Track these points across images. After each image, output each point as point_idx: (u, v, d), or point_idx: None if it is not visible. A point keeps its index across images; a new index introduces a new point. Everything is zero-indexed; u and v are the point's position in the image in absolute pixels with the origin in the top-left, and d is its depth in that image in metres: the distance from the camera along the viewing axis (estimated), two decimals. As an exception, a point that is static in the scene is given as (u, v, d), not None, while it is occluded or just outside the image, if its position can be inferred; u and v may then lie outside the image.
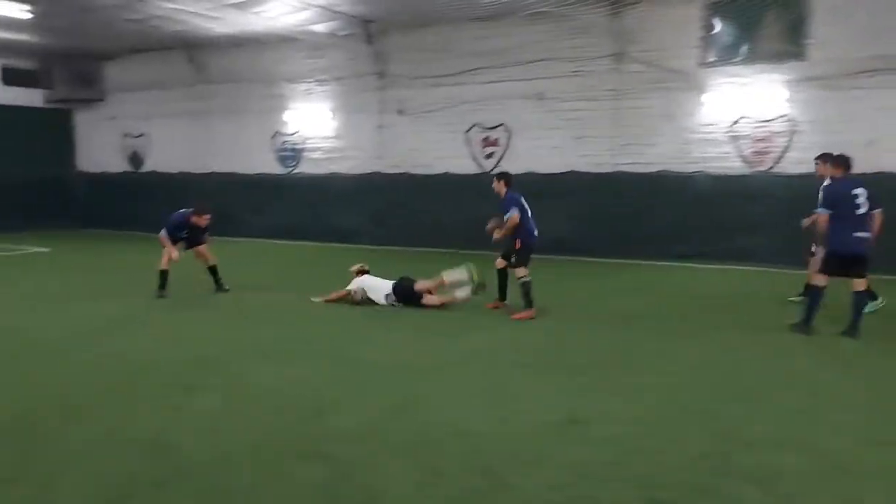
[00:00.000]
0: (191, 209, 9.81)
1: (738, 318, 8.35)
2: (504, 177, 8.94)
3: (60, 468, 4.07)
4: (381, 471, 4.05)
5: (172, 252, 9.58)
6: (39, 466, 4.10)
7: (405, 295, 8.83)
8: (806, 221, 8.39)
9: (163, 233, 9.71)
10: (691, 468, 4.13)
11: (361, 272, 9.36)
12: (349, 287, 9.16)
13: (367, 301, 9.00)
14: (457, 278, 8.87)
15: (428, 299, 8.81)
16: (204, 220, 9.76)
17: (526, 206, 8.70)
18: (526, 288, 8.41)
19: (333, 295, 9.19)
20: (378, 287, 9.02)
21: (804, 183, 11.96)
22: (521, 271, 8.50)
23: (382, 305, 8.90)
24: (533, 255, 8.67)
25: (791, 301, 8.89)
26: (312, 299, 9.20)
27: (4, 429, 4.71)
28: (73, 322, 8.12)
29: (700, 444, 4.49)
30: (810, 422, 4.93)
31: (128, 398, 5.35)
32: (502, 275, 8.94)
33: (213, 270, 9.96)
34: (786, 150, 12.32)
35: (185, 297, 9.64)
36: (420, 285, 8.84)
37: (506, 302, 8.93)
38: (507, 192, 8.73)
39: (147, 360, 6.45)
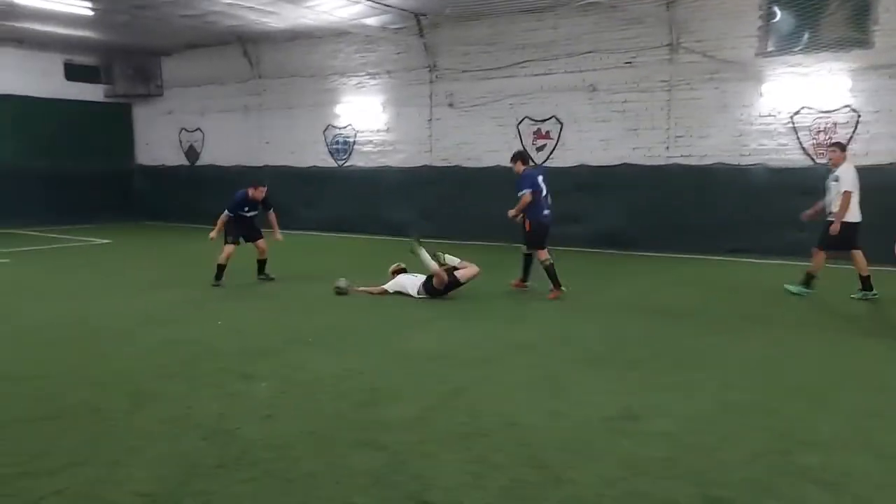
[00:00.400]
0: (248, 188, 10.12)
1: (798, 315, 8.16)
2: (520, 156, 9.35)
3: (127, 451, 4.22)
4: (432, 460, 4.09)
5: (213, 233, 9.92)
6: (107, 449, 4.26)
7: (434, 290, 8.88)
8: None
9: (224, 214, 9.94)
10: (749, 466, 4.05)
11: (398, 271, 9.47)
12: (385, 286, 9.30)
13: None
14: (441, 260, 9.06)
15: (460, 273, 8.87)
16: (260, 193, 10.02)
17: (542, 185, 8.91)
18: (549, 271, 8.70)
19: (371, 289, 9.30)
20: (412, 284, 9.09)
21: (868, 175, 11.60)
22: (541, 254, 8.79)
23: (414, 298, 8.99)
24: (583, 249, 8.60)
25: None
26: (357, 289, 9.34)
27: (75, 413, 4.90)
28: (135, 310, 8.39)
29: (758, 441, 4.39)
30: (878, 422, 4.76)
31: (190, 384, 5.52)
32: (527, 258, 9.18)
33: (261, 263, 10.26)
34: (849, 141, 11.91)
35: (242, 287, 9.86)
36: (438, 279, 8.80)
37: (527, 284, 9.04)
38: (523, 170, 9.00)
39: (207, 348, 6.64)
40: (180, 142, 20.49)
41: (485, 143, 15.30)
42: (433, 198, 15.97)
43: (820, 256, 8.87)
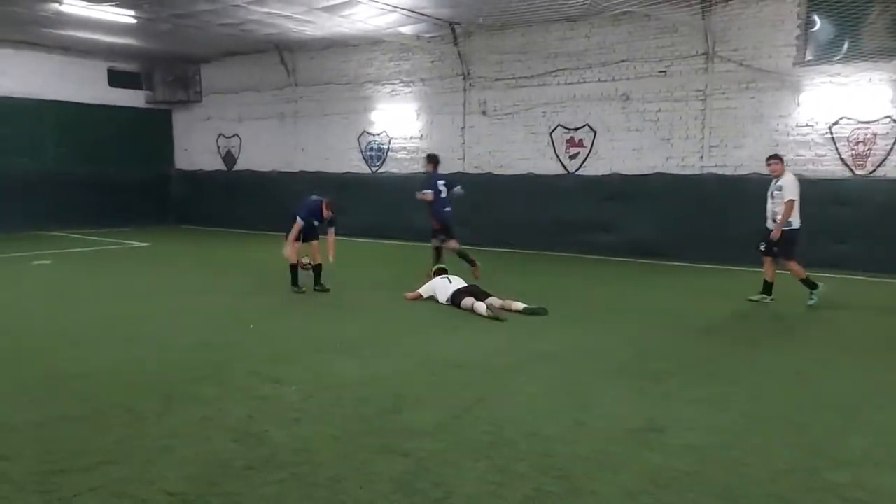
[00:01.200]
0: (323, 198, 9.96)
1: (829, 328, 8.02)
2: (431, 159, 11.02)
3: (158, 452, 4.33)
4: (455, 468, 4.12)
5: (295, 232, 9.70)
6: (140, 449, 4.38)
7: (457, 297, 8.85)
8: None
9: (298, 221, 9.73)
10: (776, 482, 4.00)
11: (438, 272, 9.52)
12: (420, 290, 9.36)
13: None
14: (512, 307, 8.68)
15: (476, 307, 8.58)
16: (329, 213, 9.90)
17: (443, 188, 10.61)
18: (463, 255, 10.54)
19: (412, 295, 9.37)
20: (445, 289, 9.10)
21: (907, 188, 11.40)
22: (452, 244, 10.63)
23: (441, 304, 9.03)
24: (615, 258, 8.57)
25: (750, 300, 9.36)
26: (406, 295, 9.40)
27: (110, 412, 5.05)
28: (171, 312, 8.59)
29: (786, 457, 4.34)
30: (911, 440, 4.67)
31: (221, 387, 5.64)
32: (436, 251, 10.78)
33: (316, 271, 10.05)
34: (889, 152, 11.70)
35: (276, 291, 10.01)
36: (466, 302, 8.66)
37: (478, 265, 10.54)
38: (432, 174, 10.77)
39: (239, 351, 6.77)
40: (218, 147, 20.87)
41: (517, 151, 15.33)
42: (466, 205, 15.97)
43: (789, 266, 9.19)
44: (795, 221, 9.09)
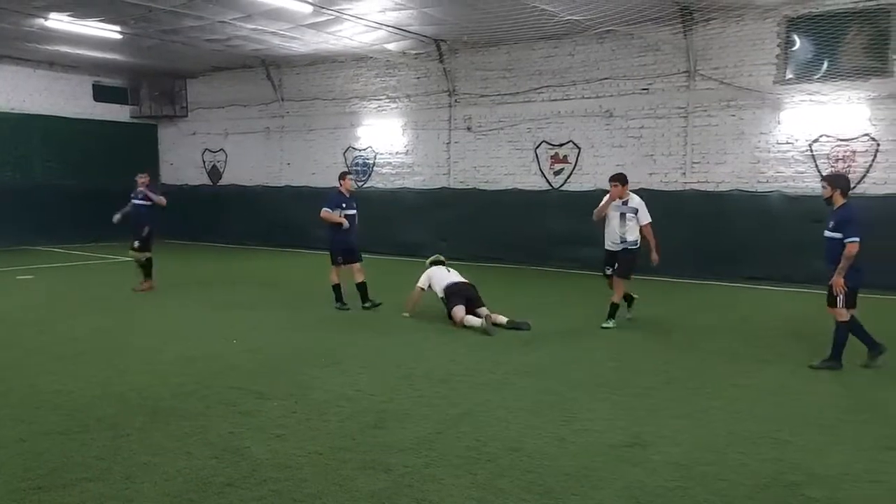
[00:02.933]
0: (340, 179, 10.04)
1: (811, 344, 8.07)
2: (342, 176, 10.13)
3: (138, 468, 4.31)
4: (437, 484, 4.13)
5: (334, 217, 9.62)
6: (121, 465, 4.36)
7: (452, 300, 8.82)
8: None
9: (324, 210, 9.71)
10: (756, 498, 4.04)
11: (436, 263, 9.51)
12: (418, 284, 9.26)
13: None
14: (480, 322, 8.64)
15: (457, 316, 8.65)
16: (348, 183, 9.90)
17: (345, 207, 9.78)
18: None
19: (410, 302, 9.34)
20: (441, 280, 9.09)
21: (887, 205, 11.56)
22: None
23: (440, 297, 9.03)
24: (599, 274, 8.67)
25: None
26: (404, 315, 9.30)
27: (93, 428, 5.02)
28: (155, 327, 8.54)
29: (766, 473, 4.38)
30: (890, 455, 4.71)
31: (204, 402, 5.62)
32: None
33: (362, 288, 9.84)
34: (868, 170, 11.88)
35: (260, 305, 9.97)
36: (458, 313, 8.64)
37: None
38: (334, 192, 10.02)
39: (223, 366, 6.75)
40: (203, 162, 20.84)
41: (502, 167, 15.44)
42: (451, 219, 16.07)
43: (620, 285, 8.87)
44: (638, 241, 8.82)
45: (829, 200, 7.08)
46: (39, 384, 6.09)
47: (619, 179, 8.86)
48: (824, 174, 7.91)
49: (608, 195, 8.85)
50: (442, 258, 9.72)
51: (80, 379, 6.28)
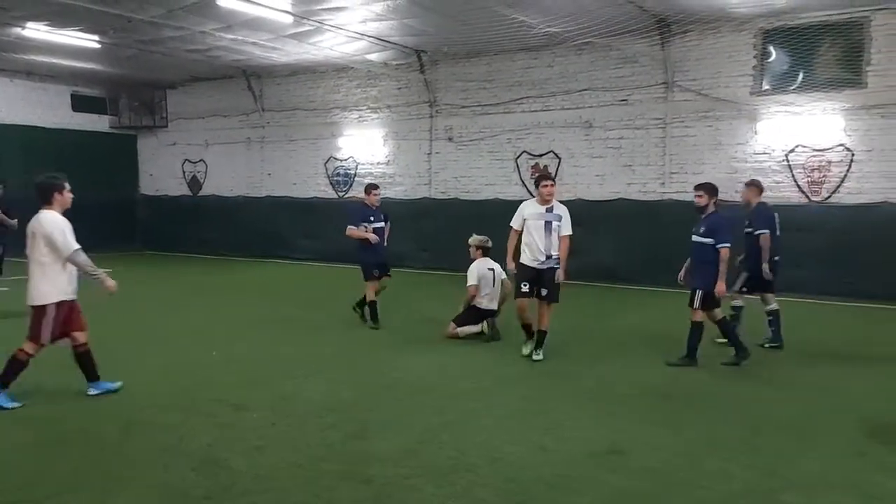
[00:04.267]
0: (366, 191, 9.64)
1: (784, 351, 8.19)
2: (367, 189, 9.62)
3: (118, 480, 4.27)
4: (417, 494, 4.13)
5: (359, 233, 9.18)
6: (97, 478, 4.31)
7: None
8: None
9: (349, 228, 9.30)
10: None
11: (481, 247, 9.00)
12: (470, 282, 8.64)
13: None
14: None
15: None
16: (374, 197, 9.44)
17: (373, 220, 9.30)
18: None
19: (458, 326, 8.60)
20: (487, 281, 8.62)
21: (861, 214, 11.75)
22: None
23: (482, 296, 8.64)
24: (579, 283, 8.69)
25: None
26: (456, 331, 8.64)
27: (69, 440, 4.97)
28: (133, 339, 8.45)
29: (742, 479, 4.43)
30: (864, 461, 4.78)
31: (183, 414, 5.57)
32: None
33: (373, 303, 9.34)
34: (843, 180, 12.06)
35: (240, 315, 9.92)
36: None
37: None
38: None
39: (202, 377, 6.71)
40: (183, 172, 20.72)
41: (483, 177, 15.50)
42: (432, 230, 16.09)
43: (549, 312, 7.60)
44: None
45: (703, 209, 7.37)
46: (15, 395, 5.98)
47: (550, 177, 7.86)
48: (698, 184, 7.69)
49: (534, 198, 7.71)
50: (489, 243, 9.06)
51: (52, 389, 6.20)
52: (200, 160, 20.30)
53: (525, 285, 7.41)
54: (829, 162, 12.15)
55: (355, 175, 17.45)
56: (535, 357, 7.46)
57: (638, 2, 11.29)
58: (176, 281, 14.55)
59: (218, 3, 11.24)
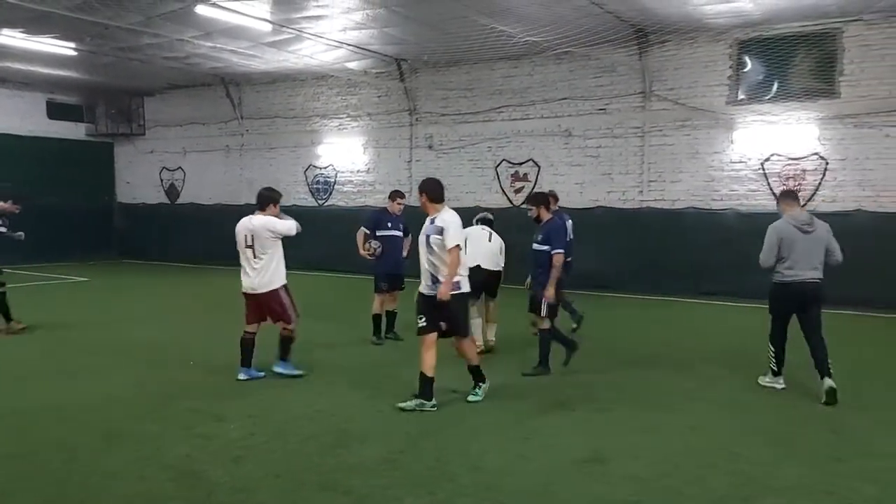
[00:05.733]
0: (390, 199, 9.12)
1: (760, 358, 8.24)
2: (392, 196, 9.20)
3: (96, 492, 4.22)
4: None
5: (358, 242, 8.87)
6: (73, 490, 4.25)
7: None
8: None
9: (360, 230, 8.98)
10: (711, 509, 4.11)
11: (483, 221, 8.40)
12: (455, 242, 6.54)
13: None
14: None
15: None
16: (397, 206, 8.98)
17: (390, 227, 8.91)
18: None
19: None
20: (478, 247, 7.90)
21: (835, 221, 11.87)
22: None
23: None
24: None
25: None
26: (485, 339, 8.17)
27: (45, 451, 4.89)
28: (110, 348, 8.35)
29: (722, 486, 4.46)
30: (841, 467, 4.82)
31: (161, 424, 5.51)
32: None
33: (390, 316, 9.08)
34: (818, 188, 12.24)
35: (218, 323, 9.83)
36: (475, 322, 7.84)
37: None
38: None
39: (181, 387, 6.64)
40: (161, 180, 20.55)
41: (463, 185, 15.51)
42: (412, 237, 16.05)
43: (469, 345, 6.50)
44: (464, 282, 6.09)
45: (538, 219, 7.46)
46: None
47: (426, 189, 6.31)
48: (528, 196, 7.69)
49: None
50: (490, 216, 8.63)
51: (30, 400, 6.12)
52: (178, 168, 20.15)
53: (421, 318, 6.01)
54: (804, 170, 12.33)
55: (335, 183, 17.41)
56: (470, 398, 6.20)
57: (616, 12, 11.41)
58: (153, 289, 14.41)
59: (197, 11, 11.19)
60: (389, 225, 9.00)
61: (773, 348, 6.99)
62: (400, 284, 9.04)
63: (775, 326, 6.99)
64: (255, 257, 6.99)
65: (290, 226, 7.13)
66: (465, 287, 6.09)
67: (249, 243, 6.99)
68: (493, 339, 8.41)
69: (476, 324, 7.83)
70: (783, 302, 6.89)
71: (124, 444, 5.04)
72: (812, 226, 6.81)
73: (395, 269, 8.93)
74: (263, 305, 7.00)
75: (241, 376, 6.94)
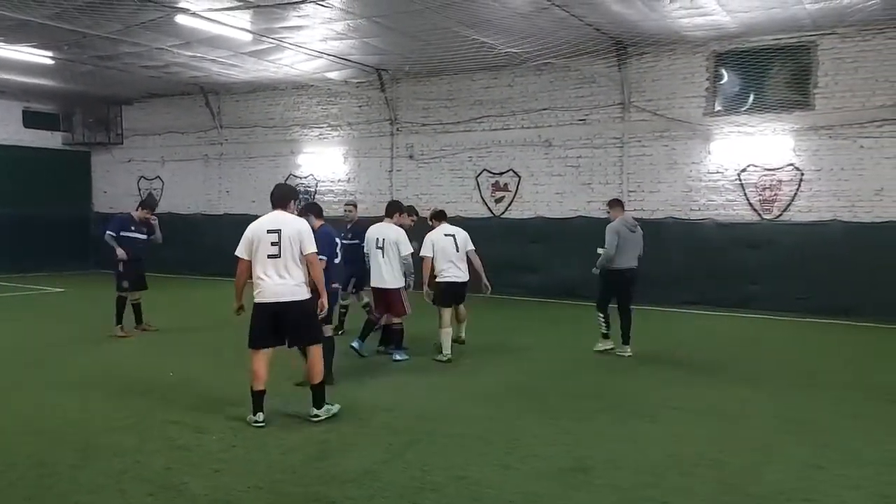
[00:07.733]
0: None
1: (742, 365, 8.35)
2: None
3: (70, 508, 4.14)
4: (383, 515, 4.09)
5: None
6: (50, 506, 4.17)
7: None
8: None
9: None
10: (694, 517, 4.13)
11: (438, 216, 8.87)
12: (422, 252, 8.51)
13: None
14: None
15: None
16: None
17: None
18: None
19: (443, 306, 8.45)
20: (446, 252, 8.46)
21: (811, 231, 12.11)
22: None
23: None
24: (541, 299, 8.73)
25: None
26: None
27: (19, 466, 4.80)
28: (88, 360, 8.23)
29: (704, 494, 4.48)
30: (822, 474, 4.86)
31: (140, 437, 5.44)
32: None
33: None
34: (793, 198, 12.41)
35: (199, 334, 9.73)
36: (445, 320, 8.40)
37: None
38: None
39: (159, 399, 6.55)
40: (139, 190, 20.33)
41: (444, 195, 15.55)
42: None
43: None
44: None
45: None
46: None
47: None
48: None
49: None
50: (443, 209, 9.04)
51: (5, 413, 6.01)
52: (157, 177, 19.97)
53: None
54: (780, 181, 12.50)
55: (315, 193, 17.34)
56: (312, 417, 5.87)
57: (596, 24, 11.53)
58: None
59: (176, 20, 11.13)
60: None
61: (601, 314, 8.75)
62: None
63: (604, 300, 8.76)
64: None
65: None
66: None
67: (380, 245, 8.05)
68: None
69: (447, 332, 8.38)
70: (615, 284, 8.65)
71: (102, 458, 4.96)
72: (636, 227, 8.71)
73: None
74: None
75: (397, 357, 8.07)
